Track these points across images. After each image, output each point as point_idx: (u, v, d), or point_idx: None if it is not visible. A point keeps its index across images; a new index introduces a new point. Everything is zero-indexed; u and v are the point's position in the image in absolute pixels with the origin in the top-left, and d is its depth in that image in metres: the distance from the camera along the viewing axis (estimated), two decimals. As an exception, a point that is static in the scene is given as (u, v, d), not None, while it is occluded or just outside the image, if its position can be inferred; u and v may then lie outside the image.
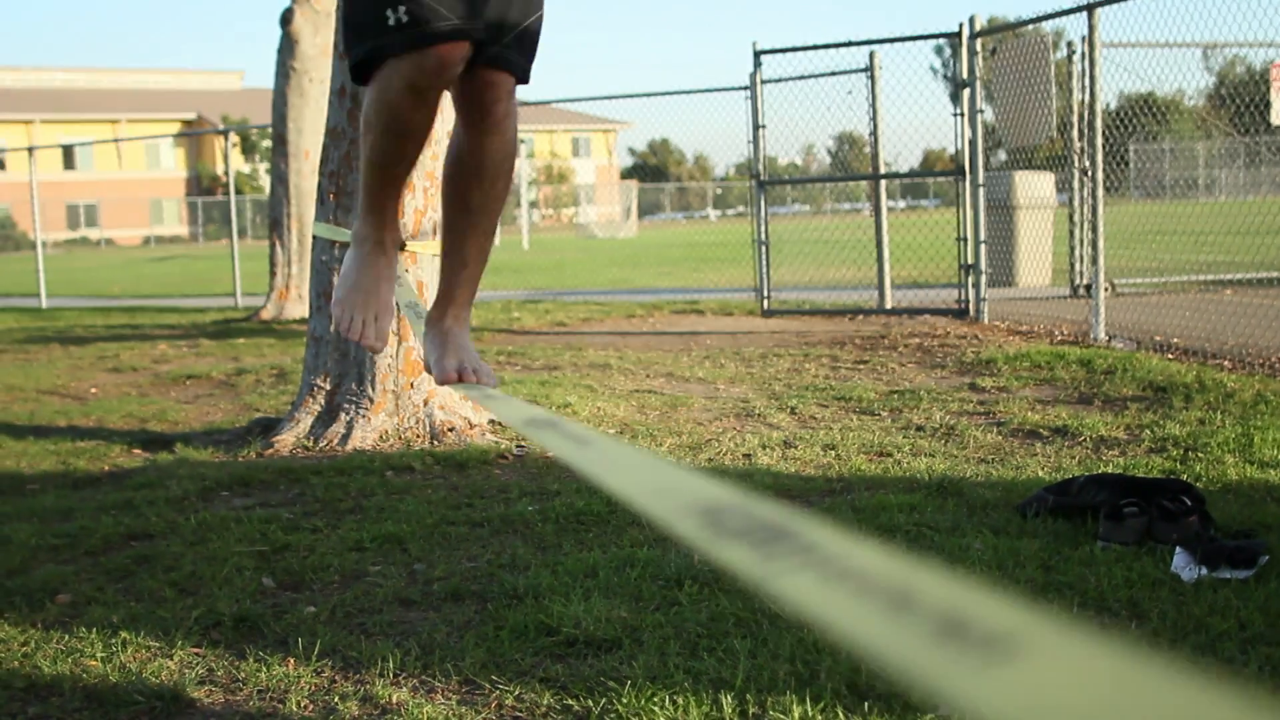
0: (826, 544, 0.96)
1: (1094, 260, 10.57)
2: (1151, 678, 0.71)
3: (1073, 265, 14.41)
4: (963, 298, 12.88)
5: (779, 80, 14.60)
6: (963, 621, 0.79)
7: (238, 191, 22.84)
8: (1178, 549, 4.27)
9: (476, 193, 3.11)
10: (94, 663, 3.79)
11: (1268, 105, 12.58)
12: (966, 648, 0.76)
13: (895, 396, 7.97)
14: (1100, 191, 10.59)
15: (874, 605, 0.84)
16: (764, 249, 14.53)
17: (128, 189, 76.51)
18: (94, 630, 4.04)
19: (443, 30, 2.71)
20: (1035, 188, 15.44)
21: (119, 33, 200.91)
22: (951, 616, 0.80)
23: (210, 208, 70.67)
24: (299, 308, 15.08)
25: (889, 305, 13.74)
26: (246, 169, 70.01)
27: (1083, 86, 11.99)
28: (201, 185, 78.74)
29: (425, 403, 7.19)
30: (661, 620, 3.91)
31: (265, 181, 63.86)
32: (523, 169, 54.76)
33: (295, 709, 3.45)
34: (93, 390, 9.90)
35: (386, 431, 7.08)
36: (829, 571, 0.90)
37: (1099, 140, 10.47)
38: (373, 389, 7.14)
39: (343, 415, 7.15)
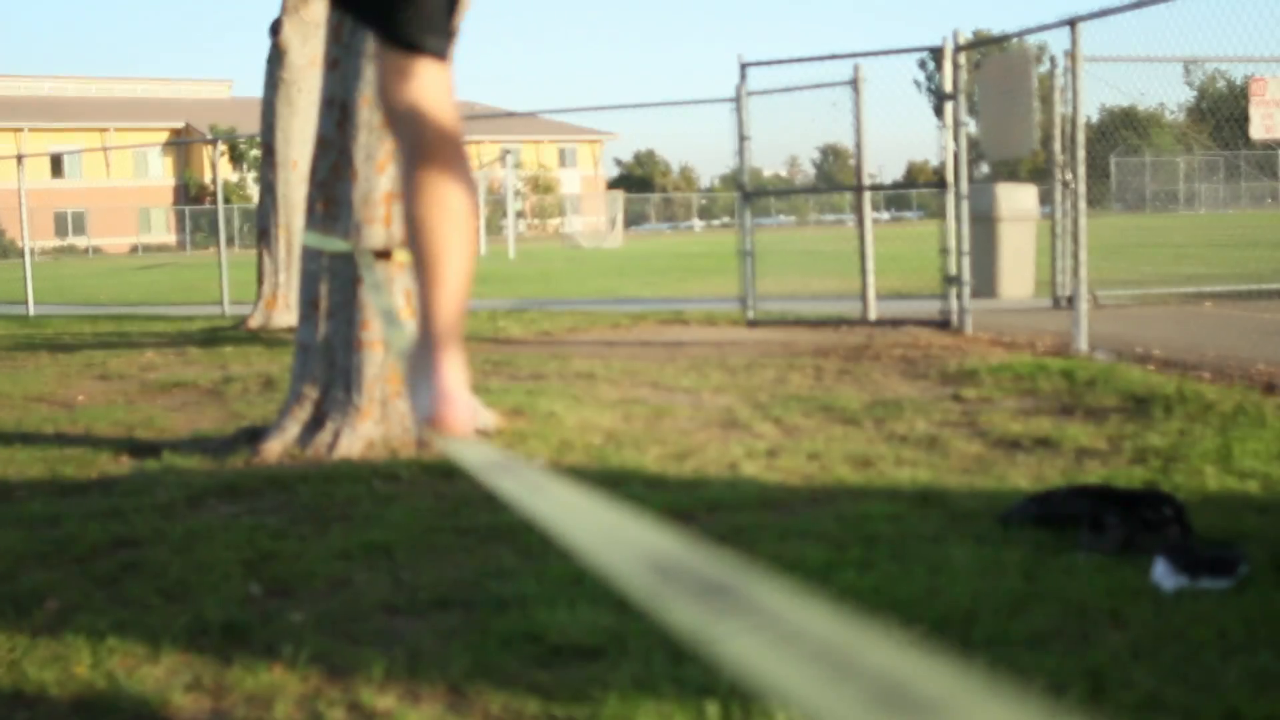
0: (773, 603, 0.97)
1: (1076, 272, 10.63)
2: None
3: (1055, 277, 14.48)
4: (946, 309, 12.92)
5: (764, 92, 14.65)
6: (901, 689, 0.80)
7: (226, 200, 22.84)
8: (1158, 558, 4.30)
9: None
10: (81, 669, 3.80)
11: (1247, 119, 12.66)
12: (905, 715, 0.77)
13: (879, 407, 8.00)
14: (1082, 204, 10.65)
15: (817, 670, 0.85)
16: (749, 259, 14.56)
17: (116, 197, 76.33)
18: (81, 637, 4.05)
19: None
20: (1018, 200, 15.51)
21: (108, 41, 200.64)
22: (891, 684, 0.81)
23: (198, 216, 70.59)
24: (287, 316, 15.06)
25: (873, 316, 13.77)
26: (235, 178, 69.94)
27: (1065, 100, 12.05)
28: (189, 194, 78.60)
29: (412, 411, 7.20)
30: (647, 628, 3.94)
31: (253, 191, 63.78)
32: (509, 179, 54.77)
33: (282, 716, 3.47)
34: (80, 398, 9.90)
35: (373, 440, 7.10)
36: (775, 633, 0.91)
37: (1081, 153, 10.53)
38: (360, 397, 7.16)
39: (330, 423, 7.17)
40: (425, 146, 2.78)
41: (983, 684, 0.78)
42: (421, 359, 2.64)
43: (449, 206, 2.75)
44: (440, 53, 2.77)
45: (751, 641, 0.91)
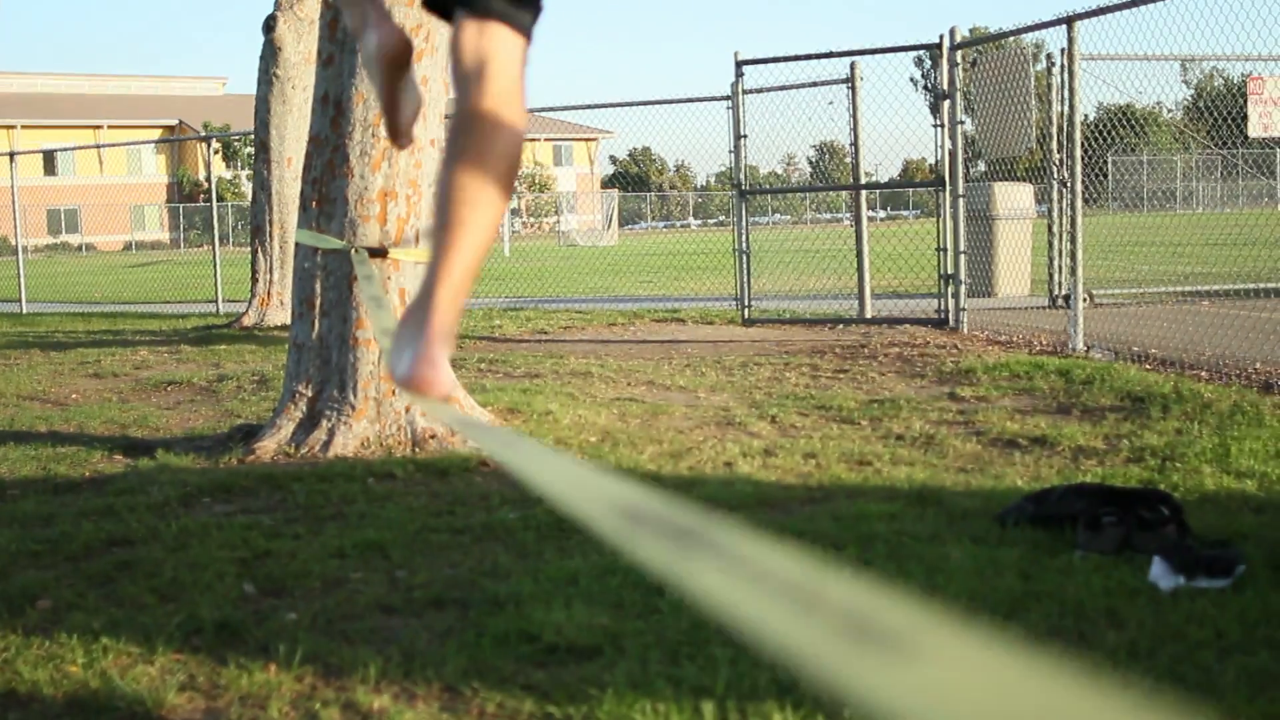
0: (740, 546, 0.98)
1: (1072, 271, 10.62)
2: (1043, 677, 0.73)
3: (1051, 276, 14.47)
4: (942, 307, 12.92)
5: (760, 90, 14.64)
6: (867, 621, 0.81)
7: (219, 198, 22.83)
8: (1155, 558, 4.29)
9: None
10: (74, 669, 3.79)
11: (1245, 118, 12.66)
12: (870, 647, 0.78)
13: (875, 405, 7.99)
14: (1079, 203, 10.64)
15: (783, 605, 0.86)
16: (745, 258, 14.55)
17: (109, 194, 76.20)
18: (74, 636, 4.04)
19: None
20: (1014, 199, 15.50)
21: (102, 38, 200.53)
22: (856, 616, 0.82)
23: (192, 214, 70.45)
24: (281, 314, 15.04)
25: (869, 315, 13.77)
26: (228, 176, 69.88)
27: (1062, 98, 12.04)
28: (183, 191, 78.53)
29: (407, 410, 7.19)
30: (643, 628, 3.93)
31: (247, 188, 63.69)
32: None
33: (277, 715, 3.45)
34: (73, 396, 9.88)
35: (368, 438, 7.09)
36: (742, 572, 0.92)
37: (1078, 152, 10.52)
38: (354, 396, 7.15)
39: (324, 422, 7.16)
40: (477, 115, 2.72)
41: (946, 622, 0.79)
42: (413, 323, 2.59)
43: (485, 181, 2.70)
44: (520, 24, 2.73)
45: (720, 579, 0.92)
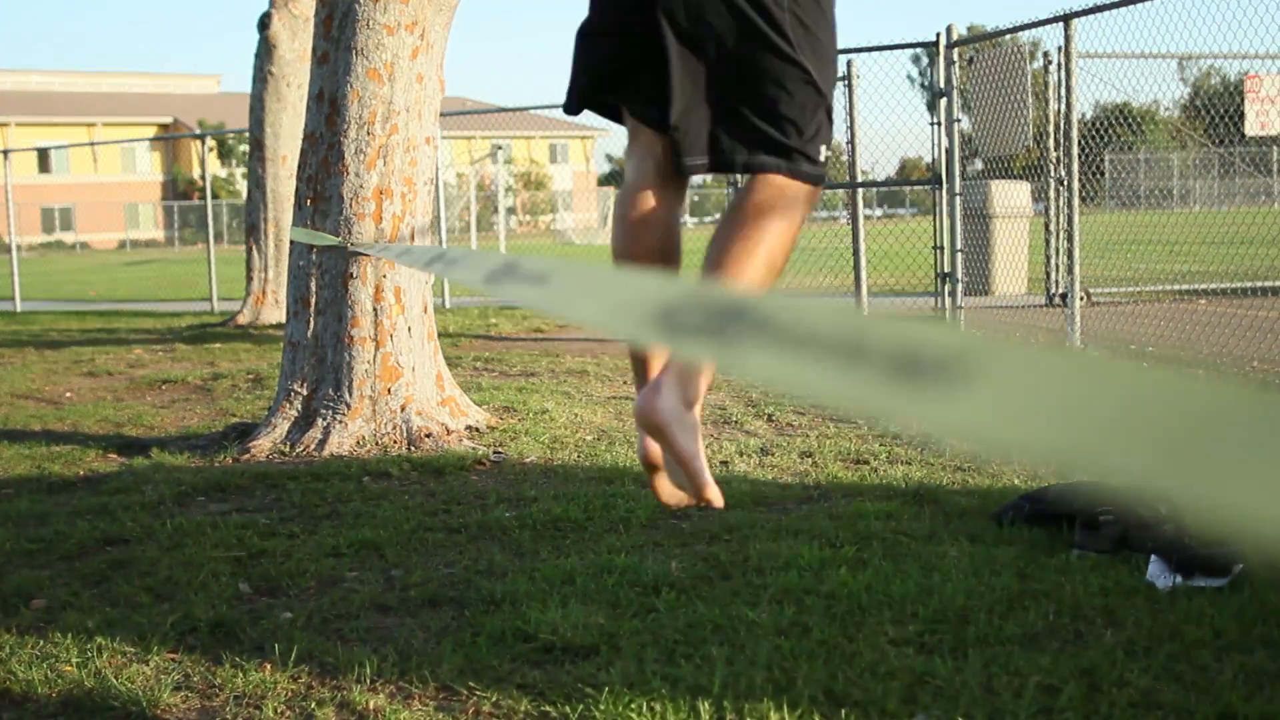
0: (777, 315, 0.98)
1: (1069, 269, 10.61)
2: (1109, 373, 0.72)
3: (1048, 274, 14.47)
4: (939, 306, 12.90)
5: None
6: (914, 357, 0.81)
7: (214, 196, 22.79)
8: (1153, 557, 4.29)
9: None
10: (69, 668, 3.78)
11: (1242, 116, 12.65)
12: (922, 381, 0.78)
13: (872, 404, 7.97)
14: (1076, 201, 10.63)
15: (830, 364, 0.86)
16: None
17: (103, 192, 76.23)
18: (69, 635, 4.03)
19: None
20: (1011, 197, 15.49)
21: (96, 36, 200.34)
22: (903, 355, 0.82)
23: (186, 212, 70.42)
24: (275, 313, 15.03)
25: (865, 313, 13.73)
26: (223, 173, 69.83)
27: (1059, 96, 12.03)
28: (178, 189, 78.48)
29: (402, 408, 7.18)
30: (639, 627, 3.91)
31: (242, 186, 63.65)
32: (500, 175, 54.70)
33: (272, 715, 3.44)
34: (68, 395, 9.87)
35: (363, 437, 7.07)
36: (785, 343, 0.93)
37: (1075, 150, 10.51)
38: (350, 394, 7.13)
39: (320, 421, 7.14)
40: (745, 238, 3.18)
41: (993, 341, 0.78)
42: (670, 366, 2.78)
43: (747, 274, 3.00)
44: (778, 166, 3.03)
45: (766, 356, 0.93)
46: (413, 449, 6.98)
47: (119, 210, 76.41)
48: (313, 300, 7.25)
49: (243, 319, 15.46)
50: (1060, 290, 13.68)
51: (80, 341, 14.26)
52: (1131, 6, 9.95)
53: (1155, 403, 0.67)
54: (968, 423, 0.73)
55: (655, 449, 3.04)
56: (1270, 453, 0.61)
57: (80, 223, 74.83)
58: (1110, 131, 15.13)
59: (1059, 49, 10.86)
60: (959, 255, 12.65)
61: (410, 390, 7.23)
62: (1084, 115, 13.30)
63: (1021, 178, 15.65)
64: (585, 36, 3.17)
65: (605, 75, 3.11)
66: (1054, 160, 12.92)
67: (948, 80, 12.54)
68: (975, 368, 0.77)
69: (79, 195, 75.52)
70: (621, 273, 1.42)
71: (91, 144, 21.72)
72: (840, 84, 13.98)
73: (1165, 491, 0.63)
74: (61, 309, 20.44)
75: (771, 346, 0.93)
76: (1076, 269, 10.56)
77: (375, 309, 7.16)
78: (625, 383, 9.36)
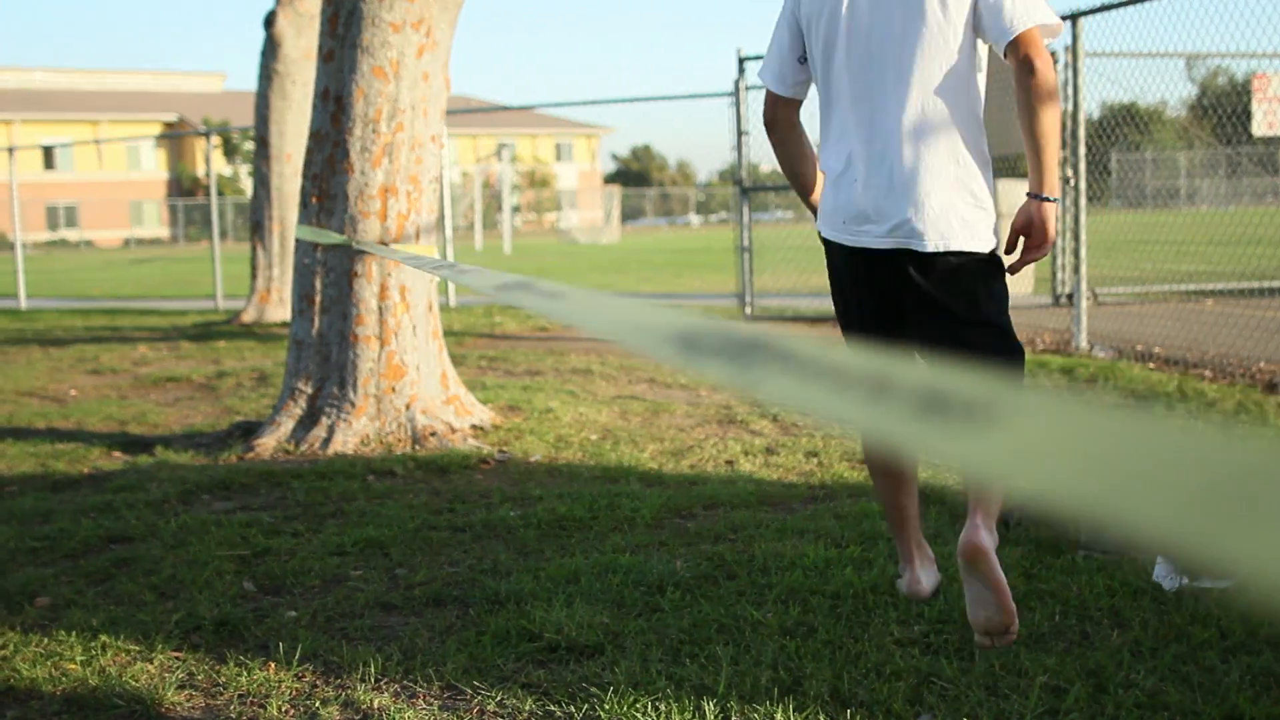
0: (800, 350, 0.99)
1: (1076, 269, 10.60)
2: (1125, 426, 0.72)
3: (1055, 274, 14.44)
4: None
5: (762, 87, 14.59)
6: (941, 396, 0.82)
7: (219, 194, 22.81)
8: (1159, 558, 4.28)
9: None
10: (73, 666, 3.77)
11: (1249, 116, 12.63)
12: (949, 418, 0.79)
13: (877, 404, 7.96)
14: (1083, 200, 10.62)
15: (855, 395, 0.87)
16: (747, 255, 14.52)
17: (108, 190, 76.28)
18: (73, 633, 4.03)
19: None
20: (1017, 196, 15.46)
21: (101, 33, 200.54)
22: (930, 393, 0.83)
23: (191, 210, 70.47)
24: (280, 311, 15.03)
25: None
26: (228, 171, 69.84)
27: (1066, 95, 12.01)
28: (182, 187, 78.51)
29: (407, 407, 7.17)
30: (644, 626, 3.91)
31: (247, 184, 63.69)
32: (505, 173, 54.75)
33: (276, 713, 3.43)
34: (72, 392, 9.87)
35: (368, 435, 7.07)
36: (806, 373, 0.94)
37: (1082, 149, 10.50)
38: (354, 393, 7.13)
39: (324, 419, 7.14)
40: None
41: (1021, 387, 0.80)
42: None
43: None
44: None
45: (790, 381, 0.95)
46: (417, 447, 6.98)
47: (124, 208, 76.45)
48: (318, 298, 7.25)
49: (247, 317, 15.45)
50: (1067, 290, 13.66)
51: (85, 339, 14.26)
52: (1139, 5, 9.93)
53: (1176, 455, 0.67)
54: (990, 462, 0.73)
55: (923, 586, 3.72)
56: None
57: (85, 220, 74.87)
58: (1117, 131, 15.12)
59: (1066, 48, 10.84)
60: (965, 255, 12.62)
61: (415, 389, 7.23)
62: (1090, 114, 13.27)
63: (1028, 177, 15.62)
64: None
65: None
66: (1060, 159, 12.89)
67: (954, 79, 12.50)
68: (1002, 410, 0.78)
69: (84, 193, 75.56)
70: (637, 301, 1.42)
71: (96, 141, 21.71)
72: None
73: (1183, 542, 0.62)
74: (66, 306, 20.44)
75: (793, 375, 0.93)
76: (1083, 269, 10.55)
77: (380, 307, 7.15)
78: (629, 381, 9.36)
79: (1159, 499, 0.65)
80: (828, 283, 3.97)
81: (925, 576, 3.75)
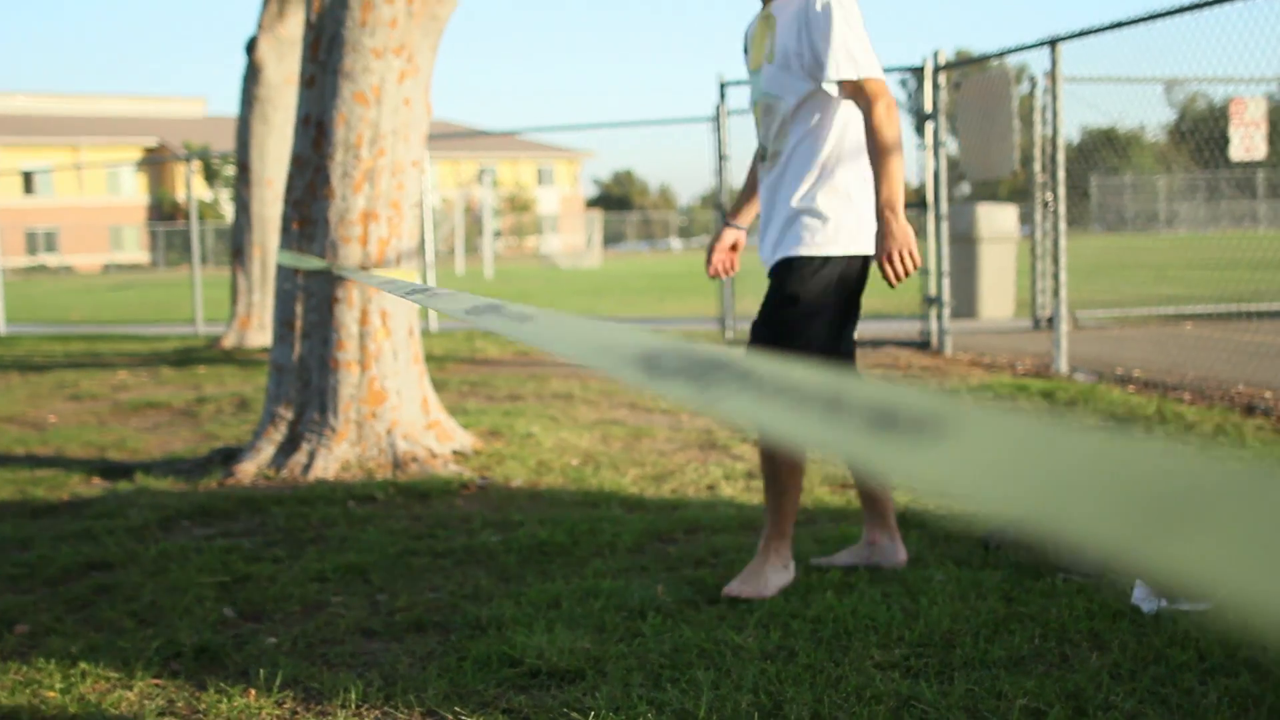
0: (759, 369, 1.00)
1: (1056, 293, 10.64)
2: (1073, 440, 0.73)
3: (1035, 298, 14.50)
4: (926, 330, 12.93)
5: (745, 111, 14.66)
6: (892, 412, 0.83)
7: (200, 219, 22.80)
8: (1138, 581, 4.29)
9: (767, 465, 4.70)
10: (52, 694, 3.76)
11: (1227, 140, 12.69)
12: (899, 434, 0.80)
13: (858, 428, 7.97)
14: (1063, 225, 10.66)
15: (809, 412, 0.88)
16: (728, 280, 14.54)
17: (88, 215, 76.17)
18: (52, 661, 4.01)
19: None
20: (998, 220, 15.53)
21: (81, 58, 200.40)
22: (881, 409, 0.84)
23: (171, 235, 70.38)
24: (260, 336, 15.02)
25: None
26: (209, 197, 69.77)
27: (1045, 120, 12.07)
28: (163, 212, 78.41)
29: (388, 432, 7.17)
30: (625, 651, 3.91)
31: (227, 209, 63.62)
32: (486, 198, 54.78)
33: (256, 740, 3.42)
34: (51, 418, 9.84)
35: (349, 461, 7.06)
36: (764, 391, 0.95)
37: (1061, 174, 10.54)
38: (335, 418, 7.12)
39: (305, 444, 7.13)
40: None
41: (969, 403, 0.81)
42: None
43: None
44: None
45: (746, 401, 0.96)
46: (398, 473, 6.97)
47: (104, 233, 76.35)
48: (299, 323, 7.25)
49: (227, 342, 15.43)
50: (1047, 314, 13.71)
51: (64, 365, 14.22)
52: (1117, 31, 9.98)
53: (1127, 468, 0.68)
54: (939, 477, 0.74)
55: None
56: (1241, 516, 0.61)
57: (64, 245, 74.74)
58: (1096, 155, 15.18)
59: (1046, 73, 10.89)
60: (946, 279, 12.69)
61: (396, 414, 7.22)
62: (1070, 139, 13.33)
63: (1008, 201, 15.69)
64: None
65: None
66: (1040, 184, 12.95)
67: (935, 104, 12.58)
68: (952, 426, 0.78)
69: (63, 218, 75.44)
70: (603, 322, 1.42)
71: (77, 166, 21.68)
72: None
73: (1134, 555, 0.63)
74: (45, 332, 20.39)
75: (751, 392, 0.95)
76: (1063, 292, 10.59)
77: (361, 333, 7.16)
78: (611, 406, 9.36)
79: (1104, 511, 0.65)
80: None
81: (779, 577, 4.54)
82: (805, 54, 4.49)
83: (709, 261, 5.07)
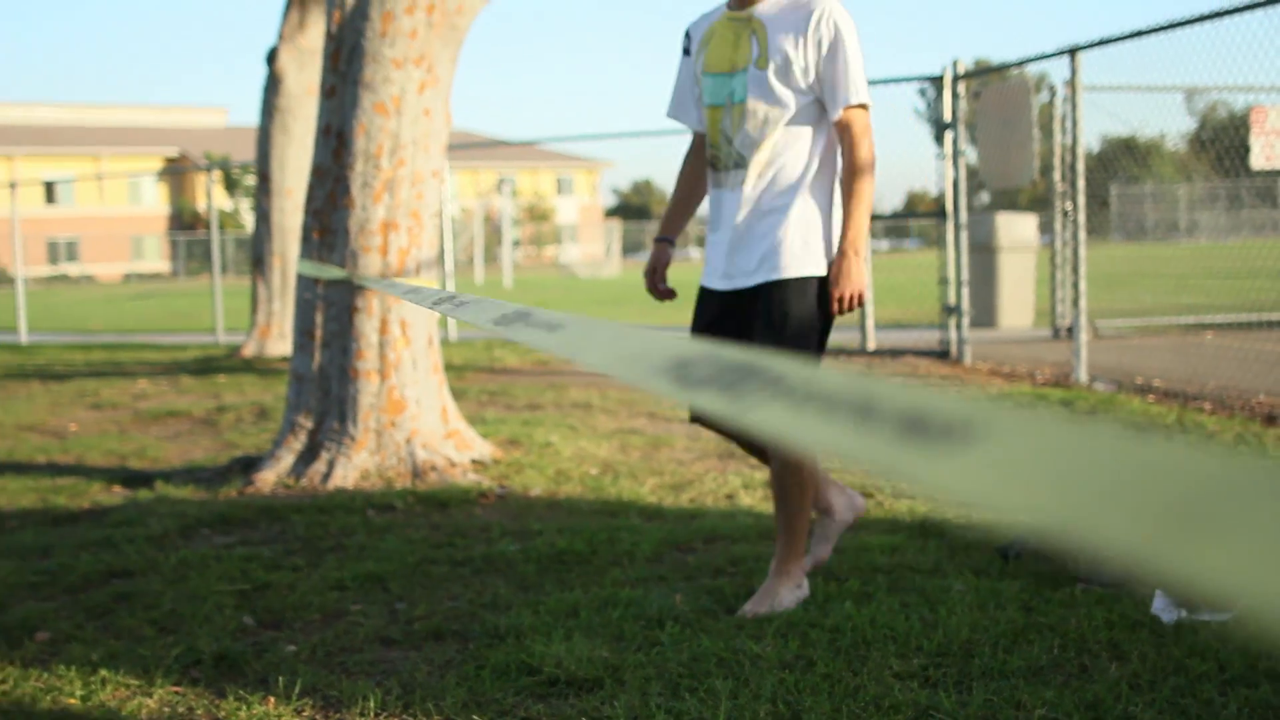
0: (790, 375, 1.00)
1: (1076, 302, 10.62)
2: (1104, 445, 0.72)
3: (1054, 307, 14.47)
4: (945, 339, 12.91)
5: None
6: (921, 419, 0.83)
7: (220, 229, 22.86)
8: (1158, 590, 4.28)
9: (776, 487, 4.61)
10: (73, 701, 3.77)
11: (1248, 149, 12.66)
12: (929, 441, 0.80)
13: (877, 437, 7.96)
14: (1082, 234, 10.64)
15: (840, 419, 0.88)
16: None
17: (109, 225, 76.39)
18: (73, 668, 4.02)
19: None
20: (1017, 229, 15.51)
21: (103, 68, 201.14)
22: (911, 416, 0.84)
23: (192, 244, 70.58)
24: (280, 345, 15.05)
25: (871, 346, 13.77)
26: (229, 206, 69.94)
27: (1065, 129, 12.05)
28: (184, 222, 78.63)
29: (407, 441, 7.18)
30: (643, 660, 3.90)
31: (247, 219, 63.73)
32: (506, 208, 54.87)
33: (275, 748, 3.43)
34: (72, 427, 9.87)
35: (368, 470, 7.07)
36: (795, 398, 0.95)
37: (1081, 183, 10.52)
38: (355, 427, 7.13)
39: (324, 453, 7.14)
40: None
41: (999, 407, 0.81)
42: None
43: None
44: None
45: (777, 410, 0.95)
46: (417, 482, 6.98)
47: (125, 243, 76.57)
48: (319, 333, 7.26)
49: (247, 352, 15.46)
50: (1066, 323, 13.68)
51: (85, 374, 14.27)
52: (1137, 40, 9.97)
53: (1157, 475, 0.68)
54: (970, 484, 0.74)
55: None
56: (1269, 524, 0.61)
57: (85, 255, 74.98)
58: (1116, 164, 15.15)
59: (1065, 82, 10.88)
60: (965, 288, 12.67)
61: (415, 423, 7.23)
62: (1090, 148, 13.30)
63: (1028, 210, 15.65)
64: None
65: None
66: (1060, 193, 12.93)
67: (954, 113, 12.57)
68: (981, 431, 0.78)
69: (84, 228, 75.68)
70: (635, 328, 1.42)
71: (98, 176, 21.77)
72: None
73: (1167, 562, 0.63)
74: (67, 341, 20.46)
75: (783, 401, 0.95)
76: (1083, 302, 10.56)
77: (381, 342, 7.17)
78: (629, 415, 9.36)
79: (1136, 519, 0.65)
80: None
81: (793, 596, 4.54)
82: (810, 69, 4.45)
83: (654, 288, 4.90)
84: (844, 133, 4.49)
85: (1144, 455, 0.70)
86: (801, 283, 4.51)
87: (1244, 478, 0.65)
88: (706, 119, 4.65)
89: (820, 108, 4.53)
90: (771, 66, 4.48)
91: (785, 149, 4.52)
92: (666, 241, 4.92)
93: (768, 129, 4.51)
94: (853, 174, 4.46)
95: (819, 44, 4.45)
